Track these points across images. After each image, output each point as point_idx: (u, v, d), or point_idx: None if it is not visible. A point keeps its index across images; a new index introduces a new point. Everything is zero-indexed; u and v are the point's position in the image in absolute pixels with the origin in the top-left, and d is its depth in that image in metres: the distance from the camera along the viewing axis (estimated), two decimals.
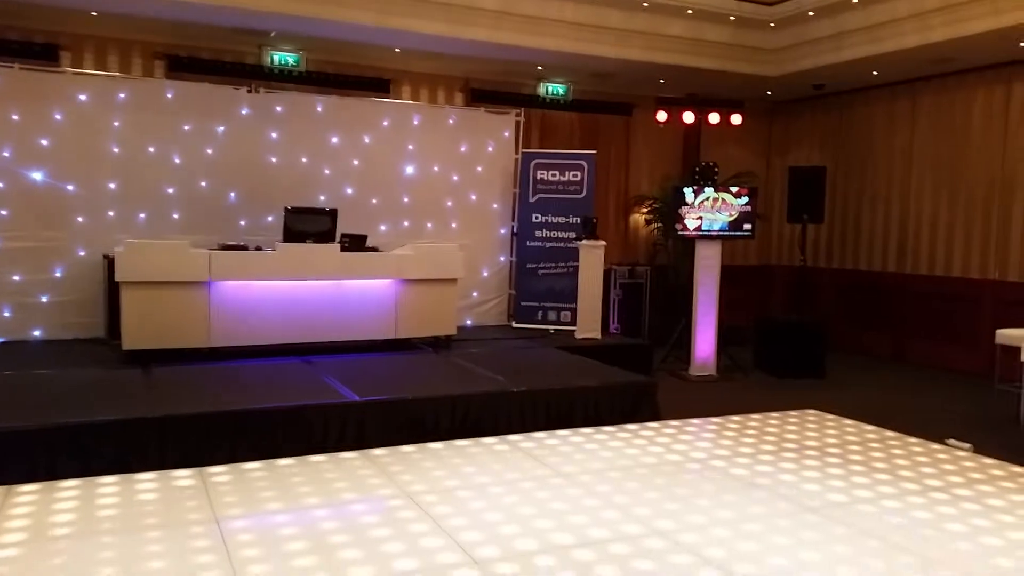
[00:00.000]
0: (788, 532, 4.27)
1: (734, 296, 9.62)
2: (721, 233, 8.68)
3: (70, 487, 4.60)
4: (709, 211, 8.62)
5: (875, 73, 9.75)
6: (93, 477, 4.74)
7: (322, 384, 6.13)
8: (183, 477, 4.82)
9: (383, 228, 9.08)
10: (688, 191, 8.59)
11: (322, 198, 8.76)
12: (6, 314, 7.76)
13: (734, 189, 8.72)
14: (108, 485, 4.65)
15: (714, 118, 9.45)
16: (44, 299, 7.90)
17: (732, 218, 8.67)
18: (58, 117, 7.88)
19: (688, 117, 9.36)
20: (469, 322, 9.54)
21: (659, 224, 10.89)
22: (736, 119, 9.52)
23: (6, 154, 7.71)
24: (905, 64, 9.18)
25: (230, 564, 3.65)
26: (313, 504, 4.47)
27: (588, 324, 8.90)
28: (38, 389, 5.73)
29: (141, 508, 4.32)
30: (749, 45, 9.69)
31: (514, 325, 9.72)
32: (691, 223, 8.61)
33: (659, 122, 9.50)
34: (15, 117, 7.74)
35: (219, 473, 4.90)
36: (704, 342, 8.69)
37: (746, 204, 8.68)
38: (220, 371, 6.51)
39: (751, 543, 4.10)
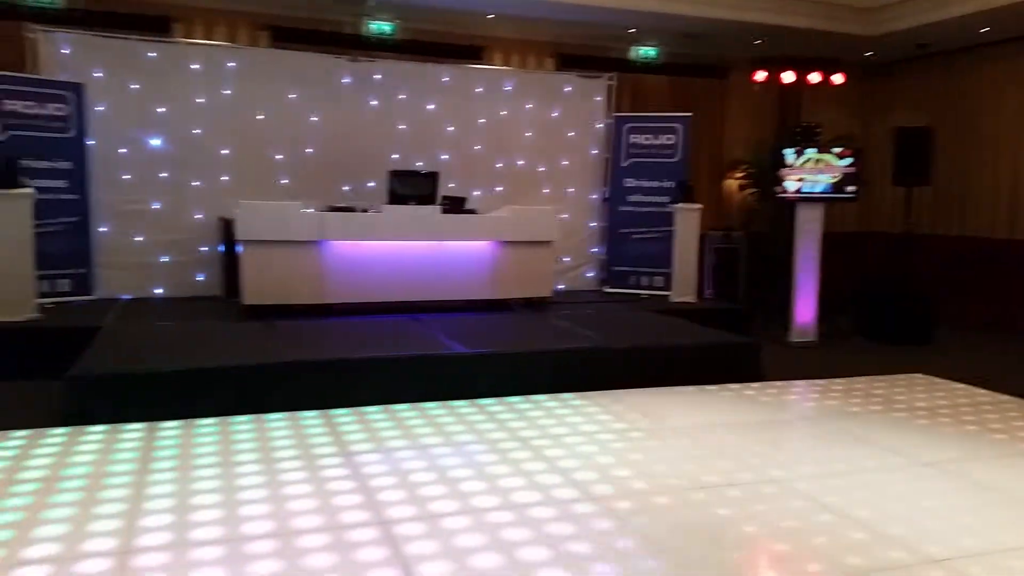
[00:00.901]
0: (904, 483, 4.26)
1: (833, 263, 9.40)
2: (823, 195, 8.50)
3: (208, 424, 4.95)
4: (811, 173, 8.44)
5: (985, 30, 9.31)
6: (226, 416, 5.07)
7: (431, 338, 6.36)
8: (310, 417, 5.11)
9: (476, 193, 9.23)
10: (789, 152, 8.43)
11: (419, 164, 8.96)
12: (131, 273, 8.24)
13: (837, 150, 8.51)
14: (242, 423, 4.97)
15: (814, 78, 9.21)
16: (164, 259, 8.36)
17: (835, 180, 8.47)
18: (173, 86, 8.28)
19: (787, 77, 9.15)
20: (560, 287, 9.63)
21: (754, 189, 10.71)
22: (838, 78, 9.27)
23: (127, 122, 8.15)
24: (1018, 19, 8.74)
25: (366, 492, 3.88)
26: (433, 443, 4.68)
27: (684, 288, 8.88)
28: (172, 338, 6.14)
29: (276, 442, 4.61)
30: (847, 3, 9.39)
31: (606, 290, 9.77)
32: (791, 185, 8.46)
33: (756, 83, 9.32)
34: (134, 86, 8.17)
35: (342, 415, 5.17)
36: (804, 307, 8.56)
37: (850, 165, 8.46)
38: (336, 325, 6.83)
39: (866, 491, 4.11)
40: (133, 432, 4.76)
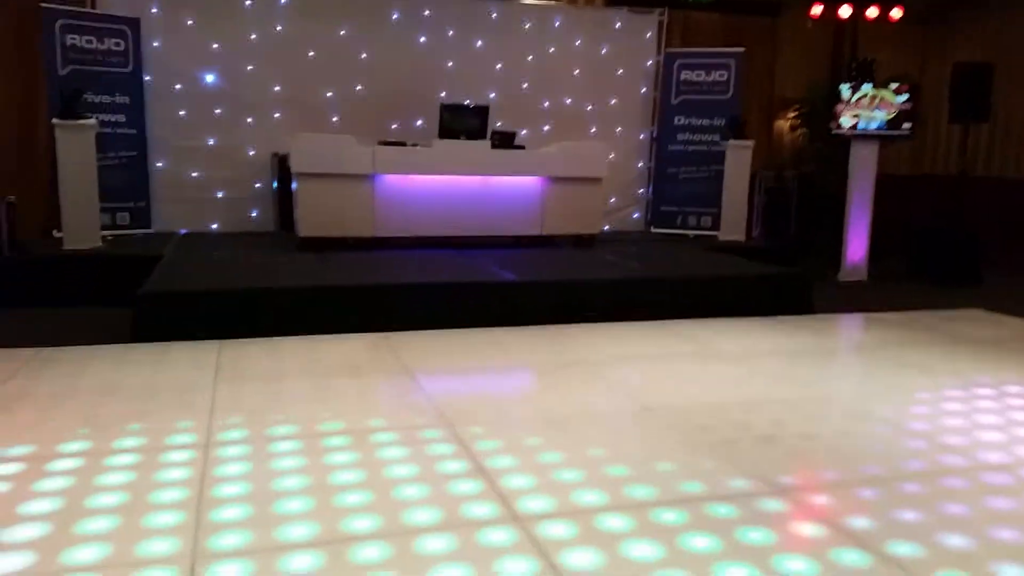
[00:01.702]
0: (961, 401, 4.27)
1: (885, 207, 9.23)
2: (879, 132, 8.35)
3: (287, 341, 5.13)
4: (866, 109, 8.29)
5: None
6: (304, 336, 5.25)
7: (481, 268, 6.45)
8: (376, 337, 5.27)
9: (523, 132, 9.19)
10: (844, 88, 8.28)
11: (467, 101, 8.95)
12: (187, 208, 8.44)
13: (893, 86, 8.32)
14: (323, 341, 5.15)
15: (872, 12, 8.96)
16: (219, 195, 8.54)
17: (891, 116, 8.31)
18: (226, 23, 8.35)
19: (844, 11, 8.91)
20: (607, 228, 9.63)
21: (806, 130, 10.52)
22: (896, 13, 9.00)
23: (182, 58, 8.27)
24: None
25: (434, 409, 4.01)
26: (495, 363, 4.80)
27: (733, 227, 8.83)
28: (235, 264, 6.34)
29: (352, 358, 4.77)
30: None
31: (653, 230, 9.75)
32: (847, 121, 8.32)
33: (813, 17, 9.10)
34: (189, 22, 8.26)
35: (403, 336, 5.32)
36: (856, 246, 8.48)
37: (906, 102, 8.29)
38: (391, 256, 6.96)
39: (922, 407, 4.13)
40: (210, 346, 4.95)
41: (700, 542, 2.62)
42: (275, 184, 8.52)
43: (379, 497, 2.91)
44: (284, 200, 8.27)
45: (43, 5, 7.34)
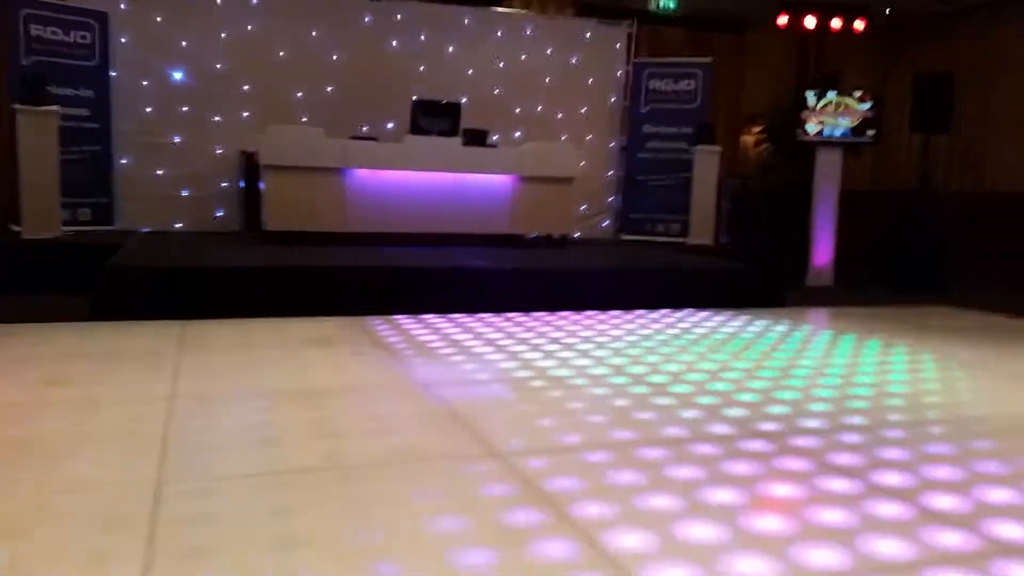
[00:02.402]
0: (933, 371, 4.30)
1: (847, 221, 9.36)
2: (843, 140, 8.51)
3: (254, 321, 5.00)
4: (831, 115, 8.45)
5: None
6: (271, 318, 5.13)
7: (459, 258, 6.39)
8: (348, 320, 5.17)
9: (496, 137, 9.22)
10: (810, 94, 8.44)
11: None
12: (151, 206, 8.25)
13: (857, 93, 8.51)
14: (292, 321, 5.03)
15: (836, 23, 9.19)
16: (184, 193, 8.37)
17: (854, 124, 8.49)
18: (196, 20, 8.28)
19: (810, 22, 9.13)
20: (577, 235, 9.64)
21: (770, 145, 10.71)
22: (859, 25, 9.24)
23: (149, 54, 8.15)
24: None
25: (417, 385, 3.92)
26: (476, 341, 4.73)
27: (701, 231, 8.91)
28: (200, 248, 6.20)
29: (322, 333, 4.66)
30: None
31: (623, 237, 9.78)
32: (812, 128, 8.47)
33: (779, 27, 9.29)
34: (158, 19, 8.17)
35: (376, 318, 5.23)
36: (822, 250, 8.58)
37: (869, 110, 8.47)
38: (366, 250, 6.84)
39: (899, 375, 4.15)
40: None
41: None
42: (242, 183, 8.39)
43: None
44: (251, 200, 8.12)
45: None
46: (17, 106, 6.55)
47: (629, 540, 2.16)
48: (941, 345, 5.11)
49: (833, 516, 2.35)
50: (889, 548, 2.15)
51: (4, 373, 3.65)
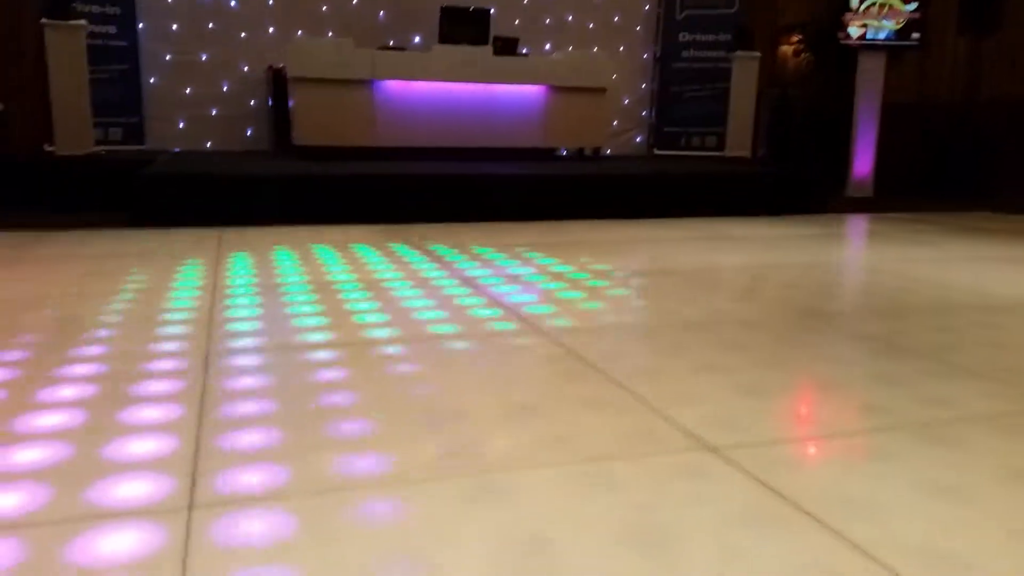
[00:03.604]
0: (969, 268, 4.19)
1: (892, 133, 9.04)
2: (887, 42, 8.17)
3: (289, 229, 4.99)
4: (874, 18, 8.10)
5: None
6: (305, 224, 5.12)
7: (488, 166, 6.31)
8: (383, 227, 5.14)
9: (524, 51, 8.99)
10: None
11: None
12: (181, 126, 8.23)
13: None
14: (327, 229, 5.01)
15: None
16: (213, 112, 8.32)
17: (899, 26, 8.13)
18: None
19: None
20: (607, 151, 9.45)
21: (809, 55, 10.31)
22: None
23: None
24: None
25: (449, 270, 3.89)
26: (505, 240, 4.68)
27: (738, 142, 8.66)
28: (234, 159, 6.16)
29: (359, 237, 4.64)
30: None
31: (656, 152, 9.58)
32: (854, 31, 8.14)
33: None
34: None
35: (409, 226, 5.20)
36: (863, 159, 8.34)
37: (915, 11, 8.11)
38: (399, 164, 6.77)
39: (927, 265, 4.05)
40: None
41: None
42: (270, 101, 8.30)
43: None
44: (279, 117, 8.05)
45: None
46: (44, 20, 6.47)
47: (681, 403, 2.13)
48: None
49: None
50: None
51: (46, 268, 3.69)
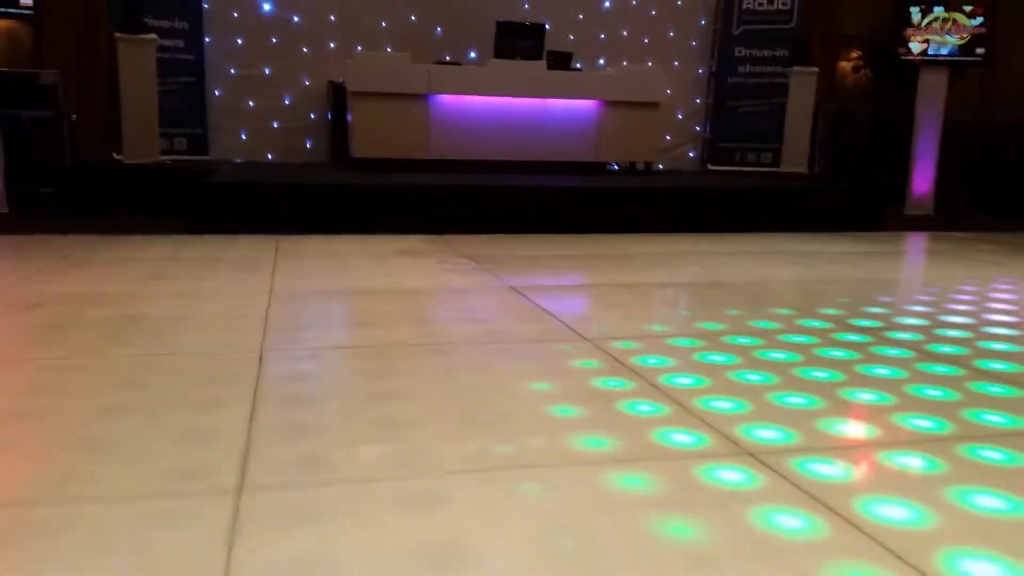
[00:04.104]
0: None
1: (953, 151, 8.81)
2: (949, 58, 7.99)
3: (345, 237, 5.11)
4: (937, 33, 7.94)
5: None
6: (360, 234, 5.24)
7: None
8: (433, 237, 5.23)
9: (578, 66, 9.05)
10: (915, 11, 7.93)
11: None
12: (243, 137, 8.48)
13: (968, 7, 7.95)
14: (381, 238, 5.13)
15: None
16: (275, 125, 8.55)
17: (963, 42, 7.95)
18: None
19: None
20: (660, 166, 9.42)
21: (869, 70, 10.15)
22: None
23: None
24: None
25: (502, 284, 3.94)
26: (559, 251, 4.72)
27: (794, 158, 8.54)
28: (293, 170, 6.34)
29: (409, 246, 4.74)
30: None
31: (709, 167, 9.51)
32: (916, 47, 7.98)
33: None
34: None
35: (461, 237, 5.27)
36: (922, 177, 8.15)
37: (980, 25, 7.92)
38: (453, 176, 6.87)
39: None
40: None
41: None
42: (329, 115, 8.51)
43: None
44: (338, 131, 8.24)
45: None
46: (118, 34, 6.77)
47: (719, 404, 2.14)
48: None
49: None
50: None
51: (108, 270, 3.85)
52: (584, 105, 7.76)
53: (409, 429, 1.95)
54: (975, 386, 2.41)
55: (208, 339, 2.70)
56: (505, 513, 1.54)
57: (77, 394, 2.15)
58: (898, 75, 8.56)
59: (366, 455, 1.80)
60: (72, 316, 2.96)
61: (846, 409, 2.19)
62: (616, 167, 8.22)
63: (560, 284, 3.81)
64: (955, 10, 7.94)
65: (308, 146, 8.69)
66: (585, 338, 2.81)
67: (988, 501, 1.65)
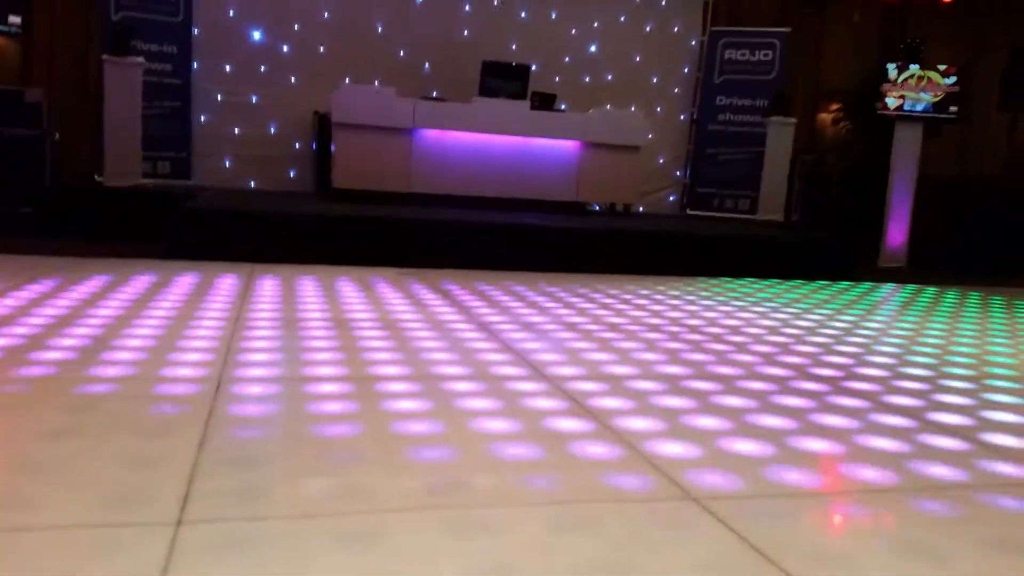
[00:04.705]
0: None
1: (929, 205, 8.97)
2: (924, 114, 8.19)
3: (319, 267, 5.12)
4: (913, 90, 8.14)
5: None
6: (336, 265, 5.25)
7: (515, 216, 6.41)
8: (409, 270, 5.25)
9: (563, 107, 9.18)
10: (891, 67, 8.14)
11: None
12: (227, 164, 8.50)
13: (942, 67, 8.17)
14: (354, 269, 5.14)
15: None
16: (259, 153, 8.58)
17: (937, 99, 8.15)
18: None
19: None
20: (641, 209, 9.53)
21: (848, 123, 10.36)
22: None
23: (230, 12, 8.37)
24: None
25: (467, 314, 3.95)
26: (525, 294, 4.74)
27: (771, 206, 8.68)
28: (270, 198, 6.36)
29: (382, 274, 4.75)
30: None
31: (688, 212, 9.63)
32: (892, 102, 8.17)
33: None
34: None
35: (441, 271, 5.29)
36: (897, 229, 8.28)
37: (954, 84, 8.12)
38: (432, 210, 6.91)
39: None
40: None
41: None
42: (314, 145, 8.56)
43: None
44: (322, 161, 8.29)
45: None
46: (105, 57, 6.82)
47: (671, 448, 2.15)
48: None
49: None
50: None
51: (84, 291, 3.84)
52: (566, 145, 7.87)
53: (355, 463, 1.95)
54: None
55: (163, 365, 2.70)
56: (441, 554, 1.54)
57: (24, 417, 2.14)
58: (876, 129, 8.75)
59: (309, 488, 1.80)
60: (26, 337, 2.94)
61: (796, 457, 2.22)
62: (597, 208, 8.33)
63: (530, 322, 3.83)
64: (930, 69, 8.15)
65: (292, 175, 8.72)
66: (544, 377, 2.82)
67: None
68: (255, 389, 2.48)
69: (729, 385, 2.90)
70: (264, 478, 1.82)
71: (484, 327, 3.62)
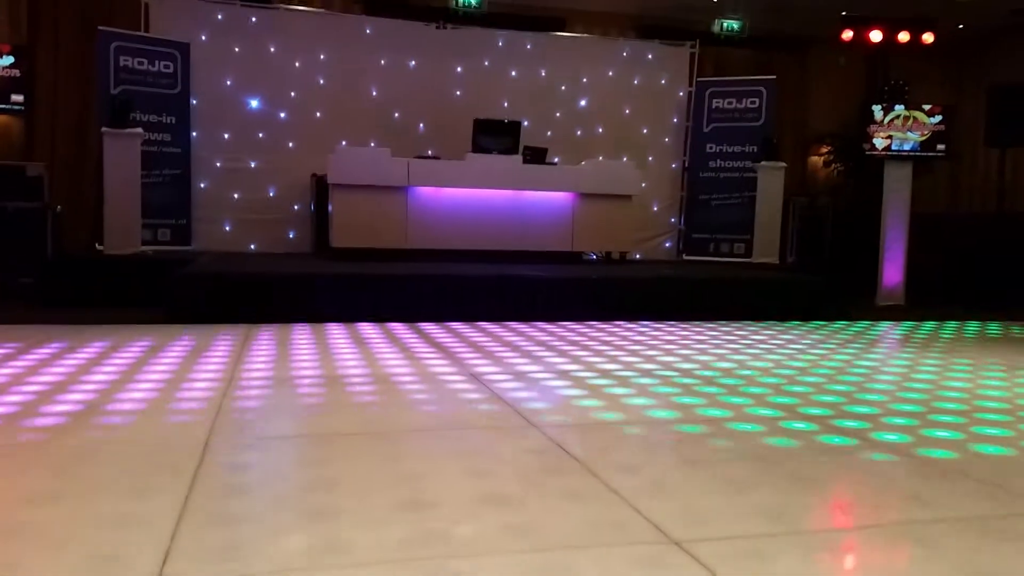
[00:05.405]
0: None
1: (922, 242, 9.03)
2: (912, 153, 8.29)
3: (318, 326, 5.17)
4: (899, 130, 8.26)
5: None
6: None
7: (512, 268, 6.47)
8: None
9: (556, 160, 9.34)
10: (877, 109, 8.27)
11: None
12: (227, 228, 8.64)
13: (927, 107, 8.30)
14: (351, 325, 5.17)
15: (904, 36, 9.00)
16: (258, 216, 8.72)
17: (924, 138, 8.26)
18: (272, 49, 8.71)
19: (875, 36, 8.96)
20: (637, 256, 9.61)
21: (839, 165, 10.51)
22: (928, 38, 9.03)
23: (228, 83, 8.60)
24: None
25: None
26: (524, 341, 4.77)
27: (766, 249, 8.74)
28: (268, 260, 6.43)
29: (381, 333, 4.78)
30: None
31: (684, 257, 9.71)
32: (880, 142, 8.28)
33: (844, 41, 9.14)
34: (236, 49, 8.63)
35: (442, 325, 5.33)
36: (892, 268, 8.31)
37: (939, 123, 8.24)
38: (426, 265, 6.99)
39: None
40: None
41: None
42: (312, 206, 8.70)
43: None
44: (321, 222, 8.41)
45: (101, 28, 7.74)
46: (104, 129, 6.98)
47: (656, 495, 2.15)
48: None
49: None
50: None
51: (84, 358, 3.88)
52: (560, 197, 7.98)
53: (339, 516, 1.96)
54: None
55: (152, 427, 2.72)
56: None
57: (8, 479, 2.16)
58: (867, 169, 8.85)
59: (290, 543, 1.81)
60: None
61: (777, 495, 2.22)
62: (594, 256, 8.40)
63: (524, 371, 3.85)
64: (915, 109, 8.29)
65: (291, 236, 8.85)
66: (533, 425, 2.83)
67: None
68: (243, 448, 2.49)
69: (718, 427, 2.90)
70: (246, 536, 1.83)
71: (480, 379, 3.64)
